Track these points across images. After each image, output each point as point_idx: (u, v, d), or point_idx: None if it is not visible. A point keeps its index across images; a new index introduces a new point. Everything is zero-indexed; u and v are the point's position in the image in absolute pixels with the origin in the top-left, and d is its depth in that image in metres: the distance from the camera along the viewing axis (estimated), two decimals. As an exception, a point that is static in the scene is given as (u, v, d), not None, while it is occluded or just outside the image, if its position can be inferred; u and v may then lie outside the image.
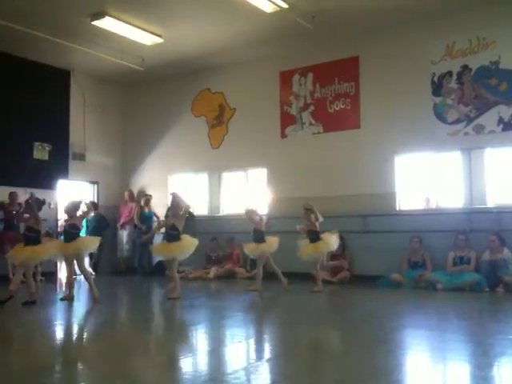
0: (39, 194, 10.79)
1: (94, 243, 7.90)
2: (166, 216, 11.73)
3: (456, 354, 4.39)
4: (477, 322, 5.96)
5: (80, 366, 4.21)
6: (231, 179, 12.11)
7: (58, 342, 5.21)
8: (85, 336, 5.61)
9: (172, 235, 7.80)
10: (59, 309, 7.33)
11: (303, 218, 8.58)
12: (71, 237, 7.54)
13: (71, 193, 12.39)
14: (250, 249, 8.60)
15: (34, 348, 4.77)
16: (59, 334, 5.67)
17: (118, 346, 4.89)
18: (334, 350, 4.55)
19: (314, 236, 8.43)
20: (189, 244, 7.85)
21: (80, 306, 7.57)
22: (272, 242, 8.48)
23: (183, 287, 8.24)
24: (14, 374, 3.86)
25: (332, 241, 8.50)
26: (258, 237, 8.45)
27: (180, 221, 7.87)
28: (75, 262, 7.78)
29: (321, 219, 8.39)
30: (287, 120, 11.17)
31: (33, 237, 7.21)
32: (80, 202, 8.02)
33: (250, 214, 8.63)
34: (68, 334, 5.71)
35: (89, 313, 7.11)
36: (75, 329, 6.03)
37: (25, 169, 11.03)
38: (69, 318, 6.65)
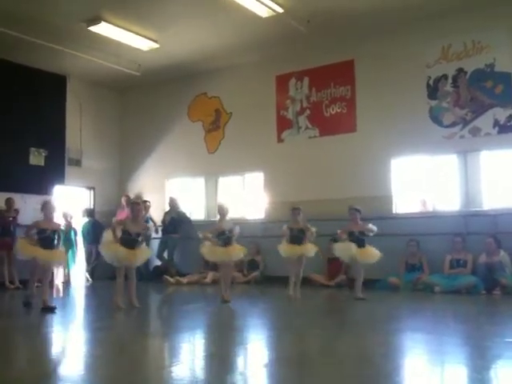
0: (36, 199, 10.85)
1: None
2: (163, 221, 11.79)
3: (453, 357, 4.38)
4: (474, 324, 5.96)
5: (72, 370, 4.19)
6: (228, 183, 12.11)
7: (53, 348, 5.20)
8: (80, 340, 5.58)
9: (230, 238, 7.67)
10: (55, 315, 7.30)
11: (350, 219, 8.10)
12: (137, 242, 7.13)
13: (68, 198, 12.39)
14: (291, 250, 8.10)
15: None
16: (51, 339, 5.65)
17: (114, 351, 4.87)
18: (331, 354, 4.54)
19: (362, 241, 7.90)
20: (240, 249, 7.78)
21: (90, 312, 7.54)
22: (313, 246, 8.11)
23: (179, 292, 8.23)
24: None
25: (375, 253, 7.88)
26: (301, 237, 8.04)
27: (229, 224, 7.78)
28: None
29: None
30: (284, 124, 11.18)
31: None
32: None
33: (297, 212, 8.20)
34: (62, 339, 5.69)
35: (84, 318, 7.09)
36: (66, 335, 6.01)
37: (21, 175, 11.00)
38: (64, 323, 6.63)
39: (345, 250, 7.92)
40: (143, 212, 7.55)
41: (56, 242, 7.04)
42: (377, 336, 5.23)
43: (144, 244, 7.38)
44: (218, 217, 7.99)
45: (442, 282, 8.48)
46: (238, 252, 7.74)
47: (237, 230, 7.81)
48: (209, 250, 7.77)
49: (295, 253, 8.06)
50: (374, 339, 5.08)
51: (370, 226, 7.94)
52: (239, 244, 7.83)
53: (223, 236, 7.65)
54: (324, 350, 4.79)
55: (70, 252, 11.12)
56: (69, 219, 11.22)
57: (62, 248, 7.37)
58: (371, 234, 7.95)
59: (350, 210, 8.10)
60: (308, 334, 5.57)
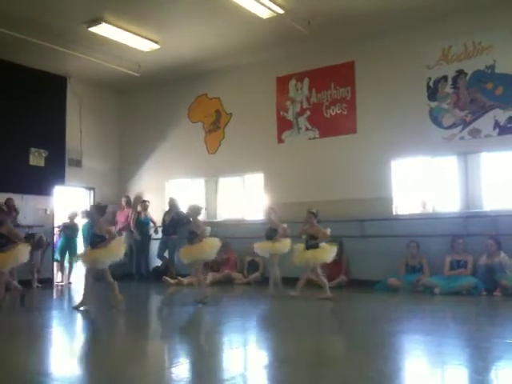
0: (36, 200, 10.88)
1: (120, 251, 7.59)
2: (163, 221, 11.80)
3: (453, 359, 4.39)
4: (474, 326, 5.96)
5: (74, 370, 4.19)
6: (228, 184, 12.12)
7: (56, 347, 5.20)
8: (79, 341, 5.58)
9: (190, 238, 7.94)
10: (56, 315, 7.31)
11: (305, 222, 8.38)
12: (96, 244, 7.40)
13: (67, 199, 12.41)
14: (262, 247, 8.66)
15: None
16: (55, 339, 5.66)
17: (114, 352, 4.88)
18: (331, 356, 4.54)
19: (313, 243, 8.17)
20: (211, 245, 7.91)
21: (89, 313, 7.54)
22: (285, 243, 8.53)
23: (179, 293, 8.25)
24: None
25: (329, 252, 8.16)
26: (272, 235, 8.52)
27: (196, 224, 8.02)
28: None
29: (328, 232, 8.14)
30: (284, 125, 11.18)
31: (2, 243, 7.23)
32: (104, 206, 7.88)
33: (270, 211, 8.72)
34: (62, 339, 5.69)
35: (87, 318, 7.09)
36: (70, 335, 6.00)
37: (21, 175, 11.01)
38: (65, 324, 6.63)
39: (294, 252, 8.30)
40: (99, 216, 7.73)
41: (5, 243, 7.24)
42: (377, 337, 5.23)
43: (112, 245, 7.46)
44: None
45: (442, 284, 8.47)
46: (201, 252, 7.86)
47: (207, 230, 8.08)
48: (182, 252, 8.09)
49: (265, 249, 8.63)
50: (374, 341, 5.08)
51: (327, 230, 8.12)
52: (211, 242, 7.97)
53: (188, 236, 8.02)
54: (324, 351, 4.79)
55: (73, 252, 11.14)
56: (74, 220, 11.20)
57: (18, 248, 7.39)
58: (326, 239, 8.17)
59: (307, 212, 8.40)
60: (308, 335, 5.57)
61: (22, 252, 7.35)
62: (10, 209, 10.12)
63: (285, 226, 8.64)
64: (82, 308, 7.34)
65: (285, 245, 8.57)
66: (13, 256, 7.23)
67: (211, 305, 7.59)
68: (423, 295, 8.45)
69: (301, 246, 8.31)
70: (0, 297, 7.13)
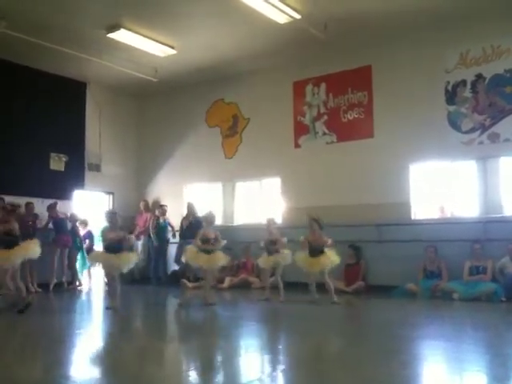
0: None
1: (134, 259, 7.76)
2: (181, 226, 11.84)
3: (473, 365, 4.35)
4: (494, 332, 5.90)
5: (91, 373, 4.23)
6: (245, 189, 12.15)
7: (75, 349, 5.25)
8: (96, 344, 5.63)
9: (213, 246, 8.21)
10: (73, 317, 7.38)
11: (308, 228, 8.45)
12: (117, 250, 7.46)
13: (87, 203, 12.53)
14: (265, 261, 8.79)
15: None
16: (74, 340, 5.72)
17: (131, 355, 4.91)
18: (349, 361, 4.52)
19: (317, 250, 8.24)
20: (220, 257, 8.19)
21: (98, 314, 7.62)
22: (286, 255, 8.61)
23: (196, 296, 8.29)
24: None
25: (334, 258, 8.25)
26: (271, 248, 8.61)
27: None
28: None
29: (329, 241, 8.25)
30: (301, 130, 11.19)
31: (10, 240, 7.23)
32: (116, 213, 7.99)
33: (270, 223, 8.84)
34: (80, 341, 5.75)
35: (102, 320, 7.15)
36: (87, 337, 6.06)
37: (41, 179, 11.15)
38: (83, 326, 6.70)
39: (299, 260, 8.38)
40: (119, 221, 7.84)
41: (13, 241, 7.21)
42: (395, 343, 5.21)
43: (128, 250, 7.65)
44: (204, 224, 8.63)
45: (461, 289, 8.39)
46: (219, 259, 8.19)
47: (223, 242, 8.38)
48: (193, 256, 8.24)
49: (268, 263, 8.76)
50: (393, 346, 5.05)
51: (330, 241, 8.25)
52: (223, 252, 8.30)
53: (207, 244, 8.17)
54: (340, 356, 4.78)
55: (80, 256, 11.23)
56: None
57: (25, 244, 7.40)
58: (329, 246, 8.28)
59: (308, 220, 8.48)
60: (325, 339, 5.56)
61: (31, 248, 7.35)
62: (30, 213, 10.26)
63: (284, 239, 8.75)
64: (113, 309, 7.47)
65: (286, 256, 8.65)
66: (20, 252, 7.21)
67: (229, 309, 7.61)
68: (442, 301, 8.37)
69: (303, 254, 8.34)
70: (22, 294, 7.19)
